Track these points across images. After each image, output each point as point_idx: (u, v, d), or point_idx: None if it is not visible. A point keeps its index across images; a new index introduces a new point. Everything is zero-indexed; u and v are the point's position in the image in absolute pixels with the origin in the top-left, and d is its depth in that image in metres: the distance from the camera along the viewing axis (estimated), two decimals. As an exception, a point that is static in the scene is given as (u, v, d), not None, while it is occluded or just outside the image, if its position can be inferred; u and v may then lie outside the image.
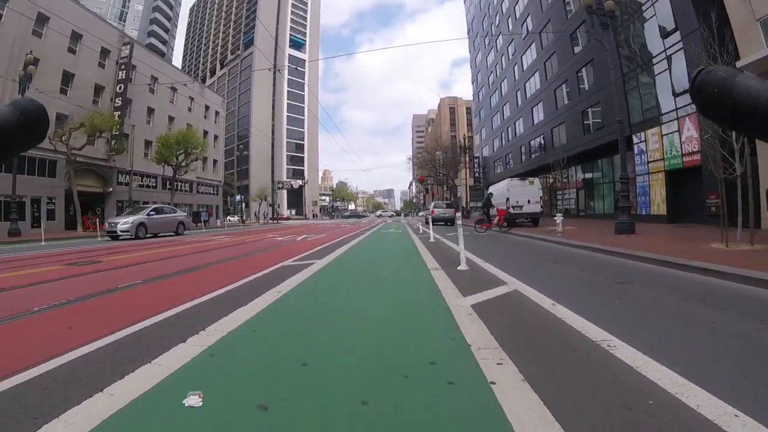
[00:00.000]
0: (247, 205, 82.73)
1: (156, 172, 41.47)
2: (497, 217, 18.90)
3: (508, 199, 21.76)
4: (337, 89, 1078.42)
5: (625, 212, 14.73)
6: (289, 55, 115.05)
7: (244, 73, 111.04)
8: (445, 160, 62.26)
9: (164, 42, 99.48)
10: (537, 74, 39.44)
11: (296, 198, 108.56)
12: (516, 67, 45.52)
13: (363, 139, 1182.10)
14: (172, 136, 37.07)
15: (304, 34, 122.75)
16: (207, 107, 53.98)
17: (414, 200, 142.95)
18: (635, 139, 24.73)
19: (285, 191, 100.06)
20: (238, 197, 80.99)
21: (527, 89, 42.50)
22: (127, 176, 40.31)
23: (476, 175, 59.71)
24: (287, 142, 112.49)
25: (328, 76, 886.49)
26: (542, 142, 39.32)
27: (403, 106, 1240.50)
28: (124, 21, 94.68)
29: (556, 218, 15.53)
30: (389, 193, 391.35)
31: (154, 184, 43.09)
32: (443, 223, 30.52)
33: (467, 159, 59.20)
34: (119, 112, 38.57)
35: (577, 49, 31.78)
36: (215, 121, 56.48)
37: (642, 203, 25.04)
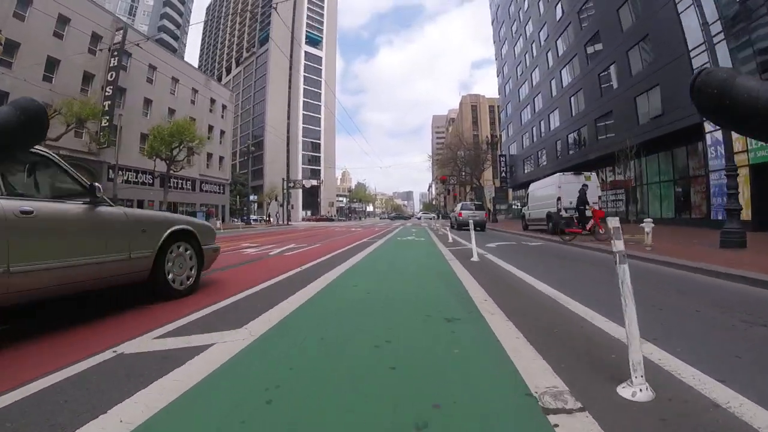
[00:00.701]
0: (260, 206, 79.61)
1: (152, 168, 37.55)
2: (593, 220, 13.68)
3: (559, 199, 17.30)
4: (356, 91, 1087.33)
5: (734, 218, 10.29)
6: (306, 52, 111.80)
7: (259, 71, 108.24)
8: (468, 159, 57.88)
9: (176, 38, 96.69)
10: (576, 59, 34.66)
11: (312, 198, 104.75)
12: (549, 54, 40.77)
13: (382, 141, 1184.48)
14: (165, 128, 33.28)
15: (321, 31, 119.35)
16: (213, 100, 50.25)
17: (434, 202, 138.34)
18: (708, 127, 20.09)
19: (300, 191, 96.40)
20: (252, 197, 78.79)
21: (563, 77, 37.77)
22: (119, 172, 36.84)
23: (502, 174, 54.96)
24: (303, 141, 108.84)
25: (347, 78, 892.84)
26: (578, 136, 34.71)
27: (422, 108, 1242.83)
28: (134, 16, 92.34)
29: (644, 225, 11.11)
30: (408, 195, 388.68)
31: (150, 181, 39.23)
32: (468, 227, 26.19)
33: (493, 157, 54.77)
34: (109, 102, 35.19)
35: (626, 25, 27.14)
36: (222, 116, 52.73)
37: (718, 206, 20.41)
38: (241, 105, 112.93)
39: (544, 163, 42.82)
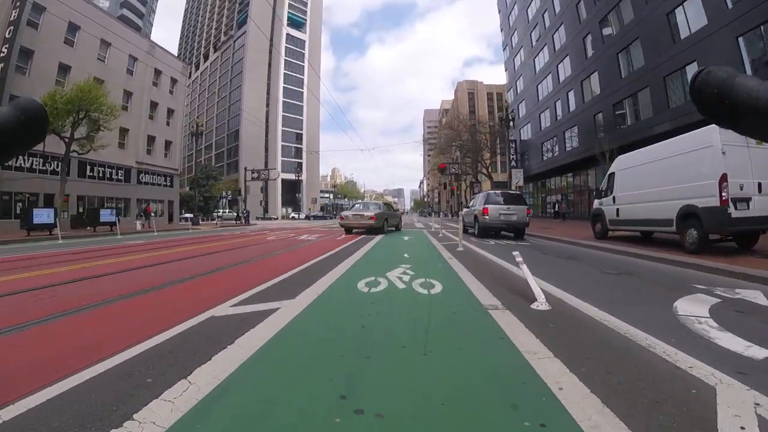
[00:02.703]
0: (235, 203, 71.46)
1: (67, 153, 27.78)
2: None
3: (724, 179, 8.29)
4: (346, 89, 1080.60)
5: None
6: (287, 34, 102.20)
7: (236, 55, 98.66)
8: (471, 145, 49.03)
9: (140, 15, 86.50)
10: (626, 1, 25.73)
11: (291, 195, 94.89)
12: (581, 4, 31.71)
13: (374, 138, 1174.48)
14: (62, 94, 23.98)
15: (305, 13, 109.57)
16: (158, 71, 40.45)
17: (425, 199, 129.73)
18: None
19: (278, 186, 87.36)
20: (224, 193, 72.18)
21: (603, 30, 28.80)
22: (19, 159, 27.74)
23: (512, 164, 45.84)
24: (284, 131, 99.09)
25: (338, 76, 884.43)
26: (633, 104, 25.96)
27: (413, 105, 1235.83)
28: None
29: None
30: (399, 193, 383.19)
31: (65, 169, 29.51)
32: (493, 232, 17.18)
33: (500, 139, 45.98)
34: (2, 65, 26.28)
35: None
36: (171, 91, 42.77)
37: None
38: (218, 93, 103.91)
39: (576, 145, 33.82)
